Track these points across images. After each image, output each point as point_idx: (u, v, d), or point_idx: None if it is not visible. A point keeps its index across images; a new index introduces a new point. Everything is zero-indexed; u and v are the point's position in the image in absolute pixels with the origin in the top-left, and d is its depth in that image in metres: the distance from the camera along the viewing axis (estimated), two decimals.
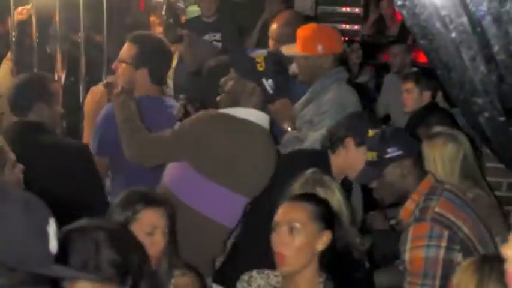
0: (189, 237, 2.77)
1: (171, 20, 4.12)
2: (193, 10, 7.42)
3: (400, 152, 2.88)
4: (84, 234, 1.84)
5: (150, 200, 2.48)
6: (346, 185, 3.15)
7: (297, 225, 2.45)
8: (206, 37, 6.25)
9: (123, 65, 3.44)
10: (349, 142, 3.14)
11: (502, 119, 2.98)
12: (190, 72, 5.55)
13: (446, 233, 2.73)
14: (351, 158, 3.13)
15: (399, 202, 2.97)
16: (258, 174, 3.00)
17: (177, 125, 3.04)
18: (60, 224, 1.44)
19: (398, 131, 3.16)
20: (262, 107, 3.03)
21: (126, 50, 3.46)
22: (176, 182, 2.96)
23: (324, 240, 2.49)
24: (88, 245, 1.81)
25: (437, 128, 3.55)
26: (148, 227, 2.43)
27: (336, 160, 3.16)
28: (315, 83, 3.67)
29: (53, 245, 1.34)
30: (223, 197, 2.93)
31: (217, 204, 2.95)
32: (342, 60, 4.02)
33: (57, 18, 4.33)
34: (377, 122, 3.26)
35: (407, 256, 2.78)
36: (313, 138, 3.42)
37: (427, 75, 4.80)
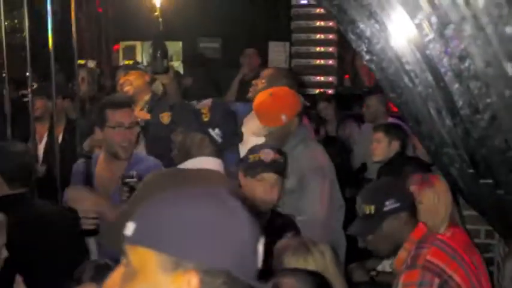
0: None
1: (158, 53, 4.11)
2: None
3: (398, 205, 2.86)
4: None
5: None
6: None
7: None
8: None
9: None
10: (240, 176, 3.31)
11: (470, 171, 3.00)
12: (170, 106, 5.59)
13: (436, 281, 2.72)
14: (247, 188, 3.25)
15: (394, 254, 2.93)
16: None
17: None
18: None
19: (393, 182, 3.12)
20: (217, 156, 2.95)
21: None
22: None
23: None
24: None
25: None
26: None
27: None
28: (284, 147, 3.66)
29: (260, 263, 1.35)
30: None
31: None
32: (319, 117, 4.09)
33: None
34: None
35: None
36: None
37: (397, 126, 4.87)
